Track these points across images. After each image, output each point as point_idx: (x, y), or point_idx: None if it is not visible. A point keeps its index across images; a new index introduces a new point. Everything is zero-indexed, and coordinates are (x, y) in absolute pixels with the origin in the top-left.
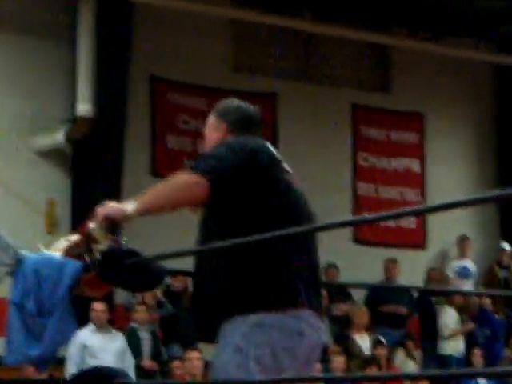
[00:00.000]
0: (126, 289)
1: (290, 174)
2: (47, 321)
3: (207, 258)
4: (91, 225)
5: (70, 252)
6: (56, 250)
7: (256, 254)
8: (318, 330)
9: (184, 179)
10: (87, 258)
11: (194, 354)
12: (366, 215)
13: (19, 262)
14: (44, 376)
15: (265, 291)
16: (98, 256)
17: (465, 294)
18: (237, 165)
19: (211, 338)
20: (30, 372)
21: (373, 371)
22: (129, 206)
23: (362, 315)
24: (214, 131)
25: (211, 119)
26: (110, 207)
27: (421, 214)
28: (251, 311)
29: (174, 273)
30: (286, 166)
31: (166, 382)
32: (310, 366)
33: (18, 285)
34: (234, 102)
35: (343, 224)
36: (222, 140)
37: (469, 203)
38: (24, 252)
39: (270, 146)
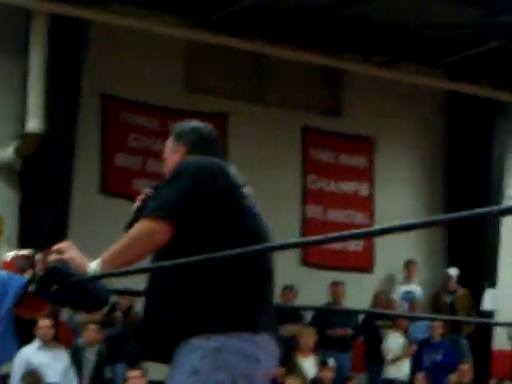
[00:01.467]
0: (70, 308)
1: (249, 198)
2: None
3: (161, 278)
4: (43, 257)
5: (15, 261)
6: (6, 258)
7: (213, 274)
8: (274, 356)
9: (143, 231)
10: (30, 273)
11: (135, 373)
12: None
13: None
14: None
15: (223, 314)
16: (40, 273)
17: (410, 318)
18: (195, 197)
19: (162, 358)
20: None
21: None
22: (92, 265)
23: (309, 336)
24: (172, 154)
25: (169, 142)
26: (73, 257)
27: (369, 236)
28: (211, 334)
29: (122, 293)
30: (246, 189)
31: None
32: None
33: None
34: (191, 123)
35: (296, 244)
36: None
37: (417, 226)
38: None
39: (230, 169)
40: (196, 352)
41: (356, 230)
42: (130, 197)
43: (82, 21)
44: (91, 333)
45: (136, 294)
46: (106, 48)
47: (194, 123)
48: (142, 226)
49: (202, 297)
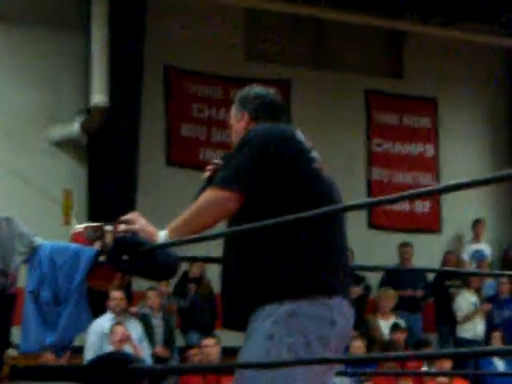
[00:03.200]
0: (140, 276)
1: (318, 162)
2: (63, 309)
3: (236, 244)
4: (110, 228)
5: (85, 233)
6: (75, 230)
7: (286, 239)
8: (350, 319)
9: (213, 199)
10: (100, 244)
11: (210, 342)
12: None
13: (35, 249)
14: (62, 362)
15: (298, 279)
16: (110, 243)
17: (481, 275)
18: (263, 165)
19: (239, 325)
20: (49, 359)
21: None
22: (161, 234)
23: (390, 299)
24: (237, 121)
25: (232, 109)
26: (142, 226)
27: (436, 194)
28: (284, 299)
29: (193, 259)
30: (314, 153)
31: (182, 366)
32: (339, 354)
33: (33, 273)
34: (254, 88)
35: (366, 204)
36: (246, 129)
37: (482, 183)
38: (40, 240)
39: (296, 134)
40: (269, 317)
41: (423, 189)
42: (196, 167)
43: None
44: (153, 300)
45: (207, 260)
46: (166, 20)
47: (257, 88)
48: (210, 195)
49: (274, 262)
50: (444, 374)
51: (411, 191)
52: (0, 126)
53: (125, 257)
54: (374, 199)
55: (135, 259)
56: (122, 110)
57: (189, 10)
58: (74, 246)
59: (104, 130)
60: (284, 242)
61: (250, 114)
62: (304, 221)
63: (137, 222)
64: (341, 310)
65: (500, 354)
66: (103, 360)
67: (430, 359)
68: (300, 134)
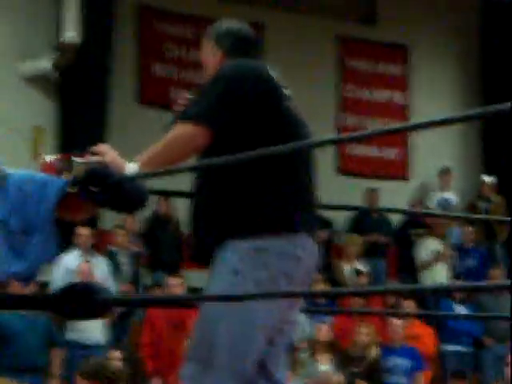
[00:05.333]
0: (110, 208)
1: (289, 100)
2: (31, 238)
3: (204, 179)
4: (81, 159)
5: (54, 163)
6: (44, 160)
7: (254, 175)
8: (314, 255)
9: (182, 134)
10: (69, 175)
11: (175, 281)
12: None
13: (3, 178)
14: (29, 291)
15: (263, 214)
16: (81, 173)
17: (448, 218)
18: (233, 103)
19: (205, 258)
20: (16, 288)
21: (356, 301)
22: (130, 167)
23: (355, 244)
24: (210, 56)
25: (206, 44)
26: (112, 158)
27: (403, 131)
28: (250, 234)
29: (161, 193)
30: (286, 91)
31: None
32: (305, 286)
33: (1, 201)
34: (227, 23)
35: (333, 141)
36: (219, 65)
37: (452, 121)
38: (8, 169)
39: (269, 71)
40: (235, 253)
41: (392, 126)
42: (167, 106)
43: None
44: (122, 237)
45: (175, 194)
46: None
47: (231, 23)
48: (179, 129)
49: (240, 198)
50: (405, 314)
51: (379, 128)
52: None
53: (95, 188)
54: (341, 136)
55: (105, 190)
56: (94, 47)
57: None
58: (42, 175)
59: (75, 66)
60: (251, 179)
61: (224, 50)
62: (271, 157)
63: (107, 153)
64: (305, 247)
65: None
66: (72, 289)
67: (387, 294)
68: (273, 71)
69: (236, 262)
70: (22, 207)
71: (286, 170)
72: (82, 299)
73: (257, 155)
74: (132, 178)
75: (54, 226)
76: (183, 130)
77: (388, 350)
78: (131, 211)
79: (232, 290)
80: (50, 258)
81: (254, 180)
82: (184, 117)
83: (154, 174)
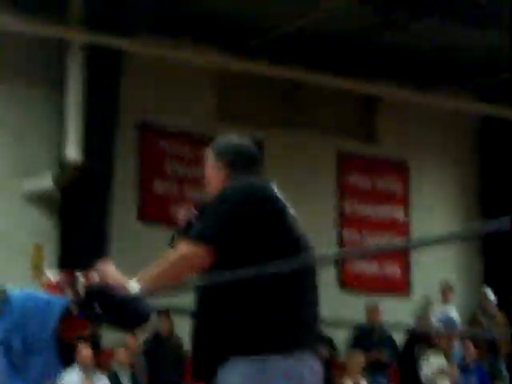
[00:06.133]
0: (111, 326)
1: (293, 218)
2: (32, 357)
3: (207, 297)
4: (82, 276)
5: (56, 281)
6: (46, 278)
7: (256, 292)
8: (317, 373)
9: (185, 254)
10: (71, 292)
11: None
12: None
13: (5, 299)
14: None
15: (266, 333)
16: (82, 292)
17: (452, 336)
18: (238, 224)
19: (207, 376)
20: None
21: None
22: (132, 286)
23: (359, 361)
24: (213, 171)
25: (210, 158)
26: (113, 276)
27: (405, 249)
28: (252, 353)
29: (163, 311)
30: (289, 210)
31: None
32: None
33: (4, 322)
34: (231, 139)
35: (334, 257)
36: (221, 181)
37: (452, 238)
38: (11, 288)
39: (273, 190)
40: (239, 369)
41: (393, 243)
42: (168, 223)
43: (116, 51)
44: (123, 355)
45: (177, 311)
46: (140, 77)
47: (235, 139)
48: (183, 248)
49: (243, 316)
50: None
51: (380, 245)
52: None
53: (96, 306)
54: (343, 251)
55: (107, 310)
56: (96, 166)
57: (164, 70)
58: (45, 294)
59: (77, 185)
60: (253, 296)
61: (227, 165)
62: (274, 274)
63: (109, 271)
64: (308, 365)
65: None
66: None
67: None
68: (277, 190)
69: (238, 379)
70: (24, 327)
71: (289, 287)
72: None
73: (259, 272)
74: (134, 298)
75: (55, 346)
76: (186, 249)
77: None
78: (132, 329)
79: None
80: (52, 377)
81: (256, 297)
82: (188, 236)
83: (156, 292)
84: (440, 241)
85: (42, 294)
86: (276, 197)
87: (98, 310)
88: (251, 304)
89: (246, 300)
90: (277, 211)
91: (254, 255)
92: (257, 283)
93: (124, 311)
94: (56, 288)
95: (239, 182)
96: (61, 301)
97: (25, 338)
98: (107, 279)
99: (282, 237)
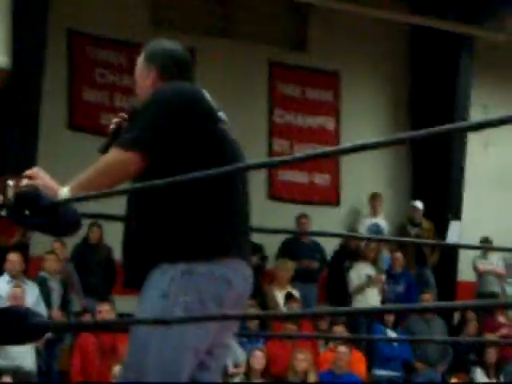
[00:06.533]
0: (41, 231)
1: (224, 123)
2: None
3: (137, 203)
4: (12, 182)
5: None
6: None
7: (186, 199)
8: (247, 279)
9: (116, 161)
10: (1, 198)
11: (105, 307)
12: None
13: None
14: None
15: (195, 239)
16: (11, 197)
17: (380, 241)
18: (168, 127)
19: (137, 283)
20: None
21: (289, 328)
22: (63, 191)
23: (287, 269)
24: (144, 77)
25: (140, 64)
26: (44, 182)
27: (333, 155)
28: (180, 259)
29: (93, 216)
30: (221, 114)
31: (79, 323)
32: (237, 310)
33: None
34: (163, 43)
35: (265, 164)
36: (152, 86)
37: (381, 144)
38: None
39: (204, 94)
40: (165, 276)
41: (322, 150)
42: (98, 132)
43: None
44: (52, 262)
45: (106, 217)
46: None
47: (167, 43)
48: (114, 155)
49: (171, 222)
50: (337, 338)
51: (308, 152)
52: None
53: (26, 211)
54: (273, 160)
55: (37, 214)
56: (24, 72)
57: None
58: None
59: (5, 91)
60: (183, 203)
61: (158, 71)
62: (204, 181)
63: (39, 177)
64: (237, 270)
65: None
66: (4, 314)
67: (317, 317)
68: (208, 95)
69: (165, 286)
70: None
71: (219, 193)
72: (14, 324)
73: (188, 178)
74: (64, 202)
75: None
76: (117, 156)
77: (328, 376)
78: (63, 235)
79: (161, 313)
80: None
81: (185, 204)
82: (118, 142)
83: (87, 198)
84: (371, 147)
85: None
86: (207, 100)
87: (27, 214)
88: (180, 210)
89: (175, 206)
90: (208, 113)
91: (185, 160)
92: (186, 190)
93: (54, 216)
94: None
95: (169, 85)
96: None
97: None
98: (38, 184)
99: (213, 139)
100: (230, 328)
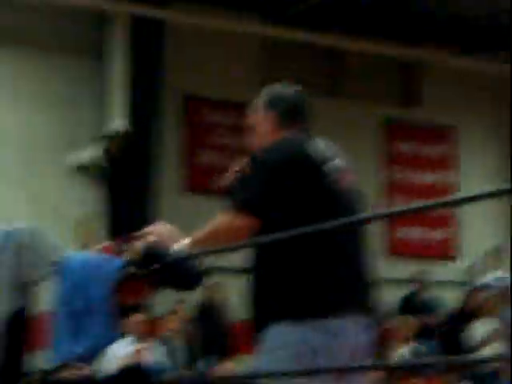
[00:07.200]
0: (166, 287)
1: (337, 173)
2: (93, 318)
3: (253, 260)
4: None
5: (112, 245)
6: (103, 245)
7: (290, 262)
8: (358, 330)
9: (229, 226)
10: (127, 256)
11: (228, 365)
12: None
13: (65, 259)
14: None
15: (300, 301)
16: (138, 254)
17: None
18: (274, 190)
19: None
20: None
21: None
22: (182, 243)
23: (410, 326)
24: (261, 122)
25: (257, 107)
26: (167, 232)
27: (453, 205)
28: (288, 319)
29: (216, 269)
30: (334, 163)
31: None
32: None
33: (65, 281)
34: (282, 88)
35: (381, 216)
36: (270, 133)
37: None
38: (69, 251)
39: (309, 149)
40: (274, 332)
41: (441, 199)
42: (213, 194)
43: (159, 22)
44: (173, 323)
45: (228, 271)
46: (184, 48)
47: (286, 89)
48: (226, 220)
49: (282, 284)
50: None
51: (426, 203)
52: (19, 152)
53: (155, 265)
54: (387, 211)
55: (162, 269)
56: (143, 136)
57: (207, 39)
58: (103, 256)
59: (125, 156)
60: (291, 263)
61: (276, 116)
62: (314, 238)
63: (161, 231)
64: (343, 325)
65: None
66: (131, 370)
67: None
68: (315, 146)
69: (274, 341)
70: (86, 288)
71: (326, 253)
72: (141, 380)
73: (289, 235)
74: (187, 257)
75: (114, 308)
76: (230, 221)
77: None
78: (189, 288)
79: (271, 366)
80: (110, 339)
81: (292, 264)
82: (229, 205)
83: (208, 252)
84: (491, 195)
85: (101, 256)
86: (311, 155)
87: (153, 270)
88: (289, 270)
89: (283, 267)
90: (311, 171)
91: (292, 219)
92: (294, 249)
93: (179, 270)
94: (112, 252)
95: (275, 145)
96: (116, 261)
97: (86, 299)
98: (162, 237)
99: (319, 198)
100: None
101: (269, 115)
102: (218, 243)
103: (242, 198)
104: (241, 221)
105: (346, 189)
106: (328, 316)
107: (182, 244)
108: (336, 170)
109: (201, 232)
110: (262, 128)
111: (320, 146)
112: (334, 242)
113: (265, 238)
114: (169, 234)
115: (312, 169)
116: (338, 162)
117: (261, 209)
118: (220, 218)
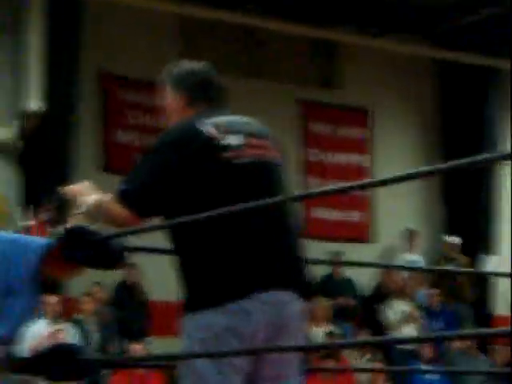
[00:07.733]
0: (88, 266)
1: (241, 147)
2: (13, 301)
3: (171, 244)
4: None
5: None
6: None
7: (199, 246)
8: (277, 305)
9: (114, 215)
10: (51, 234)
11: (138, 347)
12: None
13: None
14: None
15: (211, 289)
16: (61, 232)
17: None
18: (163, 174)
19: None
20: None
21: (329, 364)
22: (90, 199)
23: (323, 307)
24: (171, 102)
25: (164, 88)
26: (79, 189)
27: (369, 187)
28: (199, 310)
29: (138, 249)
30: (230, 139)
31: (128, 358)
32: (278, 340)
33: None
34: (188, 64)
35: (302, 196)
36: (179, 113)
37: (416, 176)
38: None
39: (205, 125)
40: (190, 319)
41: (356, 182)
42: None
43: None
44: (88, 305)
45: (152, 250)
46: (101, 25)
47: (192, 64)
48: (114, 207)
49: (191, 271)
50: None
51: (343, 184)
52: None
53: (78, 244)
54: (302, 193)
55: (85, 248)
56: (58, 115)
57: (125, 17)
58: (24, 236)
59: (39, 134)
60: (200, 248)
61: (186, 94)
62: (217, 221)
63: (73, 189)
64: (261, 300)
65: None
66: (56, 351)
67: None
68: (216, 123)
69: (188, 327)
70: (6, 270)
71: (233, 231)
72: (67, 360)
73: (180, 221)
74: (110, 236)
75: (38, 288)
76: (116, 210)
77: None
78: (112, 268)
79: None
80: (29, 319)
81: (201, 250)
82: (119, 190)
83: (131, 232)
84: (405, 178)
85: (21, 236)
86: (204, 133)
87: (79, 247)
88: (198, 257)
89: (196, 251)
90: (205, 149)
91: (191, 203)
92: (196, 235)
93: (103, 249)
94: (34, 230)
95: (176, 124)
96: (40, 241)
97: (4, 281)
98: (75, 191)
99: (214, 176)
100: (276, 360)
101: (176, 94)
102: (102, 220)
103: (124, 188)
104: (126, 213)
105: (251, 162)
106: (238, 297)
107: (87, 198)
108: (241, 144)
109: (100, 200)
110: (171, 107)
111: (223, 121)
112: (242, 221)
113: (165, 223)
114: (82, 189)
115: (203, 146)
116: (250, 137)
117: (139, 203)
118: (112, 203)
